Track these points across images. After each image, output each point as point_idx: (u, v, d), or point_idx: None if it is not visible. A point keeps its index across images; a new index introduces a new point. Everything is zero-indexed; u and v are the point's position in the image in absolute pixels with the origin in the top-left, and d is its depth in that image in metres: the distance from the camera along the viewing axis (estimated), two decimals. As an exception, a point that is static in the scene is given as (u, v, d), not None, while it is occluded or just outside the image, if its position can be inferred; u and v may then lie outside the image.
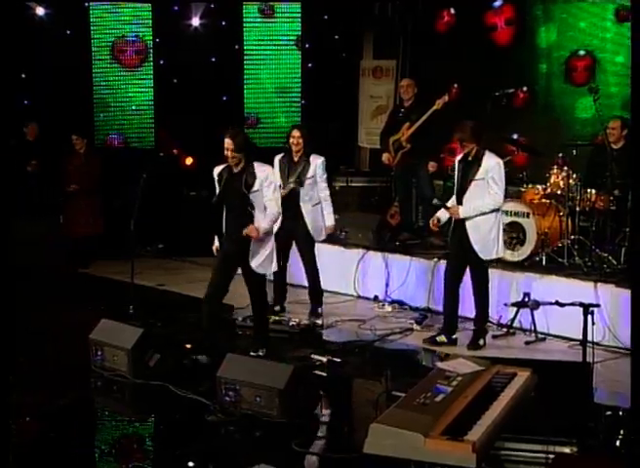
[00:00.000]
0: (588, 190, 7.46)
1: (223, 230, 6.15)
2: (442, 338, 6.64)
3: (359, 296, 8.26)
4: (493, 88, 8.38)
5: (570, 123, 9.03)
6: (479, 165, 6.25)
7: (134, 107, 10.68)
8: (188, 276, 9.23)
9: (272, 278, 7.40)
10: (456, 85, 9.78)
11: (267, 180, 5.89)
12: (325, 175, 7.26)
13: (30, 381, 5.81)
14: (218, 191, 6.11)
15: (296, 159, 7.18)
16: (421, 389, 3.71)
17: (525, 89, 9.25)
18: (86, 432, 5.21)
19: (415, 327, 7.19)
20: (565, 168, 7.58)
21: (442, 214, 6.53)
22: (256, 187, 5.86)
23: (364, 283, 8.25)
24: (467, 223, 6.34)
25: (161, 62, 10.62)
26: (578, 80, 8.97)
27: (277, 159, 7.30)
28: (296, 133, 7.17)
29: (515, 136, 8.87)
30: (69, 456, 4.68)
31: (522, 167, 8.52)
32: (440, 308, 7.58)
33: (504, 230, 7.51)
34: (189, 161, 10.21)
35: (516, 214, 7.52)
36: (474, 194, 6.29)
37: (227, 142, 5.88)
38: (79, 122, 10.15)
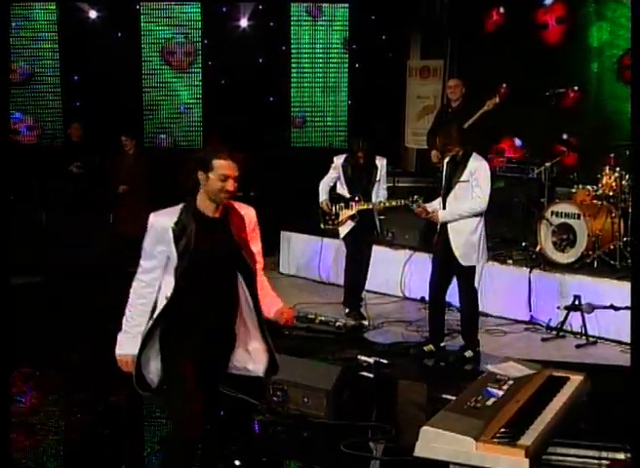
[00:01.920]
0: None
1: None
2: (430, 347, 6.45)
3: (405, 297, 8.23)
4: (542, 88, 8.27)
5: (622, 123, 8.85)
6: (465, 166, 6.10)
7: (182, 108, 10.79)
8: (235, 276, 9.26)
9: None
10: (504, 85, 9.67)
11: None
12: (386, 176, 7.39)
13: (82, 379, 5.90)
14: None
15: (362, 162, 7.19)
16: (472, 392, 3.67)
17: (576, 88, 9.10)
18: (135, 429, 5.27)
19: (462, 329, 7.13)
20: (617, 168, 7.45)
21: (430, 206, 6.38)
22: None
23: (410, 284, 8.21)
24: (449, 228, 6.16)
25: (209, 63, 10.72)
26: (630, 79, 8.80)
27: (339, 162, 7.32)
28: (360, 148, 7.13)
29: (565, 137, 8.74)
30: (119, 453, 4.74)
31: (572, 167, 8.40)
32: (486, 310, 7.54)
33: (554, 231, 7.44)
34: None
35: (567, 215, 7.41)
36: (458, 196, 6.12)
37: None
38: (128, 123, 10.28)
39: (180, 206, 3.62)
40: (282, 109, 10.71)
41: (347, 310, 7.44)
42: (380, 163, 7.24)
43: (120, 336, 3.70)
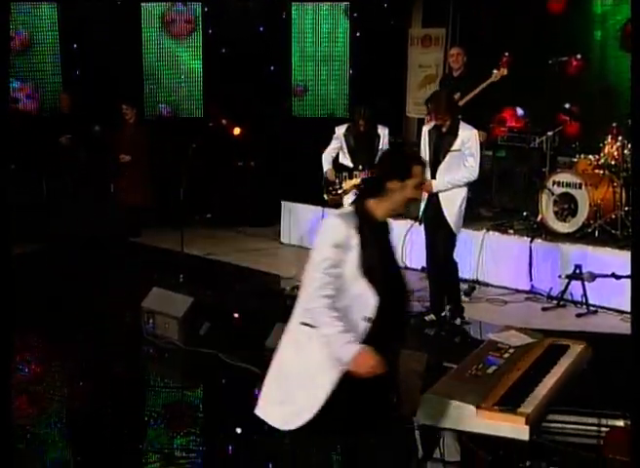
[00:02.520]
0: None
1: None
2: (431, 316, 6.44)
3: (406, 268, 8.22)
4: (545, 56, 8.20)
5: (625, 91, 8.77)
6: (455, 136, 6.04)
7: (183, 77, 10.72)
8: (236, 245, 9.30)
9: None
10: (507, 53, 9.57)
11: None
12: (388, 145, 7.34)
13: (84, 349, 5.93)
14: None
15: (362, 130, 7.15)
16: (473, 361, 3.69)
17: (579, 56, 9.01)
18: (138, 399, 5.31)
19: (463, 298, 7.13)
20: (619, 137, 7.42)
21: None
22: None
23: (411, 254, 8.21)
24: (441, 197, 6.13)
25: (209, 32, 10.62)
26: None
27: (341, 131, 7.28)
28: (362, 116, 7.09)
29: (568, 106, 8.69)
30: (122, 422, 4.78)
31: (574, 137, 8.36)
32: (487, 279, 7.56)
33: (555, 201, 7.44)
34: (237, 131, 10.23)
35: (568, 184, 7.39)
36: (450, 165, 6.08)
37: None
38: (128, 92, 10.22)
39: (351, 209, 3.18)
40: (283, 79, 10.63)
41: None
42: (383, 132, 7.21)
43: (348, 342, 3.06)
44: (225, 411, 4.94)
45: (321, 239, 3.09)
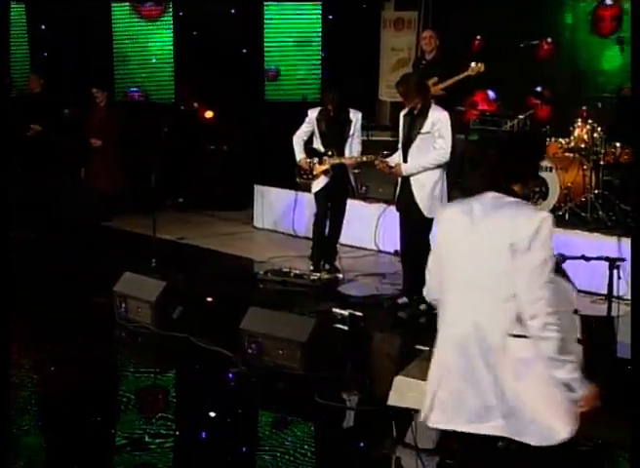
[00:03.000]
0: (613, 144, 7.37)
1: None
2: (403, 299, 6.42)
3: (380, 251, 8.26)
4: (516, 39, 8.23)
5: (595, 75, 8.88)
6: (425, 118, 6.01)
7: (154, 60, 10.62)
8: (208, 229, 9.27)
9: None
10: (479, 36, 9.61)
11: None
12: (360, 130, 7.31)
13: (55, 334, 5.89)
14: None
15: (332, 115, 7.13)
16: (445, 343, 3.71)
17: (550, 40, 9.08)
18: (110, 383, 5.29)
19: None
20: (589, 121, 7.48)
21: (391, 160, 6.32)
22: None
23: (385, 237, 8.23)
24: (412, 180, 6.09)
25: (180, 14, 10.52)
26: (604, 31, 8.79)
27: (314, 115, 7.24)
28: (331, 101, 7.07)
29: (539, 89, 8.73)
30: (94, 407, 4.76)
31: (545, 120, 8.41)
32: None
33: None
34: (209, 114, 10.17)
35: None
36: (421, 148, 6.05)
37: None
38: (99, 75, 10.11)
39: (514, 199, 2.95)
40: (255, 62, 10.56)
41: (312, 266, 7.40)
42: (355, 117, 7.16)
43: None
44: (198, 395, 4.94)
45: (544, 235, 2.82)
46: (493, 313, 2.79)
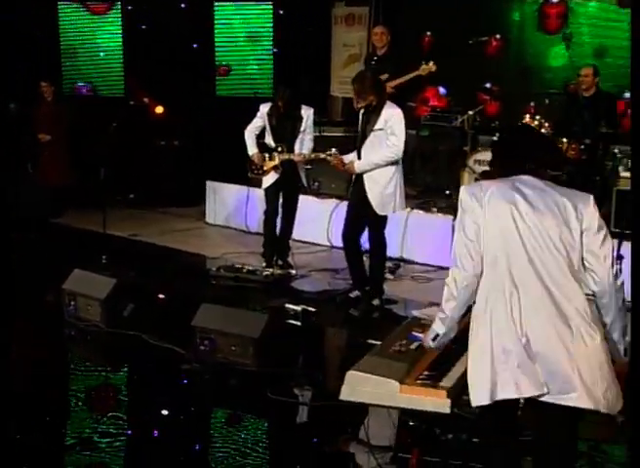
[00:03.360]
0: (560, 139, 7.49)
1: None
2: (356, 294, 6.46)
3: (332, 246, 8.28)
4: (466, 36, 8.32)
5: (542, 71, 9.02)
6: (379, 115, 6.02)
7: (102, 54, 10.46)
8: (160, 226, 9.18)
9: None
10: (429, 33, 9.69)
11: None
12: (312, 127, 7.29)
13: (2, 332, 5.78)
14: None
15: (282, 111, 7.11)
16: (397, 337, 3.73)
17: (498, 37, 9.19)
18: (60, 382, 5.22)
19: (388, 276, 7.22)
20: (537, 116, 7.59)
21: (346, 157, 6.34)
22: None
23: (337, 233, 8.24)
24: (365, 177, 6.11)
25: (129, 8, 10.38)
26: (550, 28, 8.94)
27: (265, 110, 7.21)
28: (281, 97, 7.06)
29: (488, 85, 8.84)
30: (44, 406, 4.69)
31: (494, 116, 8.52)
32: (412, 257, 7.67)
33: (477, 179, 7.56)
34: (160, 110, 10.07)
35: (489, 163, 7.52)
36: (374, 145, 6.07)
37: None
38: (46, 69, 9.93)
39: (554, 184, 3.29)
40: (206, 57, 10.49)
41: (264, 263, 7.38)
42: (307, 113, 7.14)
43: None
44: (150, 393, 4.90)
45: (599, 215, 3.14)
46: (564, 287, 3.00)
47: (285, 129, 7.13)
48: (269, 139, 7.22)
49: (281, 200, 7.38)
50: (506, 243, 3.05)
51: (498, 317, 3.00)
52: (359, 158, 6.17)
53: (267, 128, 7.20)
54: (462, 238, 3.13)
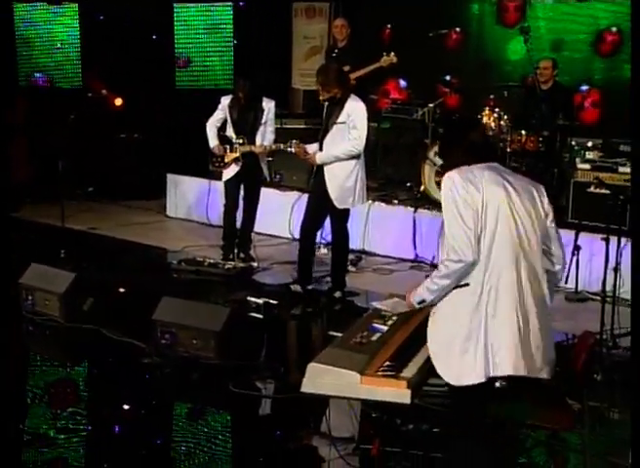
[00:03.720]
0: (518, 131, 7.57)
1: None
2: (296, 287, 6.45)
3: (294, 239, 8.26)
4: (426, 29, 8.35)
5: (501, 64, 9.10)
6: (342, 107, 6.04)
7: (58, 45, 10.29)
8: (120, 219, 9.09)
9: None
10: (389, 25, 9.72)
11: None
12: (274, 119, 7.26)
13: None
14: None
15: (243, 103, 7.09)
16: (358, 329, 3.75)
17: (458, 30, 9.25)
18: (18, 377, 5.15)
19: (350, 268, 7.24)
20: (496, 109, 7.65)
21: (310, 147, 6.37)
22: None
23: (299, 225, 8.24)
24: (325, 170, 6.12)
25: (86, -2, 10.24)
26: (509, 21, 9.02)
27: (226, 102, 7.18)
28: (241, 89, 7.05)
29: (448, 78, 8.90)
30: (2, 402, 4.62)
31: (455, 108, 8.58)
32: (373, 249, 7.70)
33: (437, 172, 7.62)
34: (119, 102, 9.95)
35: (449, 155, 7.57)
36: (335, 137, 6.08)
37: None
38: (1, 60, 9.74)
39: None
40: (165, 49, 10.39)
41: (222, 255, 7.34)
42: (268, 105, 7.13)
43: None
44: (111, 388, 4.85)
45: None
46: (537, 267, 3.26)
47: (246, 121, 7.11)
48: (230, 132, 7.19)
49: (242, 193, 7.36)
50: (502, 226, 3.21)
51: (496, 299, 3.18)
52: (321, 150, 6.16)
53: (228, 120, 7.17)
54: (462, 227, 3.22)
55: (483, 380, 3.15)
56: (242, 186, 7.33)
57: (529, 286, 3.23)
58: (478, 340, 3.17)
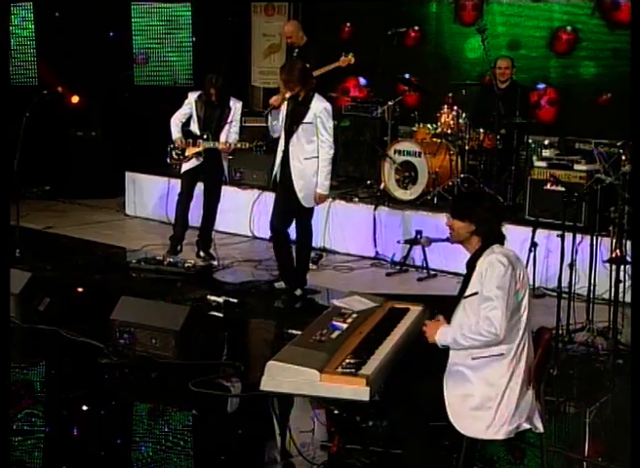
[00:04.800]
0: (477, 129, 7.64)
1: None
2: (280, 284, 6.51)
3: (255, 237, 8.26)
4: (385, 27, 8.38)
5: (459, 63, 9.18)
6: (307, 108, 6.06)
7: (13, 42, 10.13)
8: (76, 218, 8.99)
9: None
10: (348, 24, 9.74)
11: None
12: (239, 120, 7.27)
13: None
14: None
15: (213, 99, 7.08)
16: (318, 327, 3.76)
17: (416, 28, 9.31)
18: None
19: (311, 266, 7.25)
20: (455, 107, 7.72)
21: None
22: None
23: (259, 223, 8.24)
24: (292, 168, 6.11)
25: (41, -6, 10.09)
26: (466, 20, 9.09)
27: (193, 97, 7.16)
28: (213, 85, 7.03)
29: (407, 76, 8.95)
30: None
31: (414, 106, 8.63)
32: (334, 247, 7.72)
33: (397, 169, 7.66)
34: (75, 99, 9.81)
35: (408, 153, 7.63)
36: (301, 138, 6.08)
37: None
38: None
39: None
40: (123, 45, 10.28)
41: (170, 247, 7.34)
42: (235, 105, 7.16)
43: None
44: (69, 389, 4.80)
45: None
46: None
47: (212, 118, 7.13)
48: (195, 128, 7.18)
49: (201, 190, 7.34)
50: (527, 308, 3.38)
51: (518, 365, 3.31)
52: (286, 146, 6.12)
53: (194, 116, 7.16)
54: (505, 307, 3.29)
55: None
56: (201, 183, 7.32)
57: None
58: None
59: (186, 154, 7.14)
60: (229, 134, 7.12)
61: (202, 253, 7.32)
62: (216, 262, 7.25)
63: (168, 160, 7.31)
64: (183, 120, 7.23)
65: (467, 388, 3.30)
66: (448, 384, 3.35)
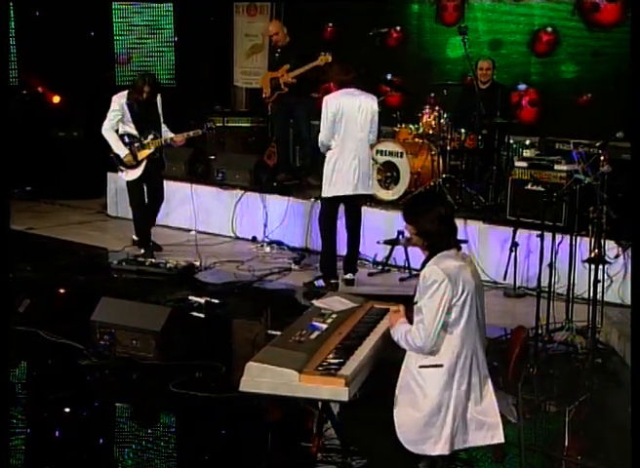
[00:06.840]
0: (458, 129, 7.67)
1: None
2: (320, 283, 6.64)
3: (237, 237, 8.26)
4: (367, 27, 8.40)
5: (441, 63, 9.20)
6: None
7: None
8: (59, 219, 8.96)
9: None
10: (330, 24, 9.75)
11: None
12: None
13: None
14: None
15: (145, 97, 7.15)
16: (297, 327, 3.75)
17: (398, 28, 9.32)
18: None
19: (293, 266, 7.27)
20: (436, 108, 7.75)
21: None
22: None
23: (242, 224, 8.24)
24: None
25: (22, -7, 10.03)
26: (448, 20, 9.12)
27: (122, 101, 7.17)
28: (147, 83, 7.13)
29: (389, 77, 8.96)
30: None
31: (396, 107, 8.65)
32: (318, 248, 7.70)
33: (379, 170, 7.68)
34: (56, 99, 9.77)
35: (390, 153, 7.65)
36: None
37: None
38: None
39: None
40: (104, 45, 10.24)
41: (142, 250, 7.40)
42: (159, 100, 7.29)
43: None
44: (49, 391, 4.77)
45: None
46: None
47: (149, 116, 7.17)
48: (129, 128, 7.16)
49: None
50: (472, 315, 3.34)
51: (463, 376, 3.29)
52: None
53: (127, 117, 7.13)
54: (437, 321, 3.29)
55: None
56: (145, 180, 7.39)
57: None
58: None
59: (139, 159, 7.17)
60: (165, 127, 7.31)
61: (151, 243, 7.45)
62: (197, 263, 7.18)
63: (120, 168, 7.31)
64: (117, 127, 7.22)
65: (416, 404, 3.29)
66: (398, 400, 3.35)
